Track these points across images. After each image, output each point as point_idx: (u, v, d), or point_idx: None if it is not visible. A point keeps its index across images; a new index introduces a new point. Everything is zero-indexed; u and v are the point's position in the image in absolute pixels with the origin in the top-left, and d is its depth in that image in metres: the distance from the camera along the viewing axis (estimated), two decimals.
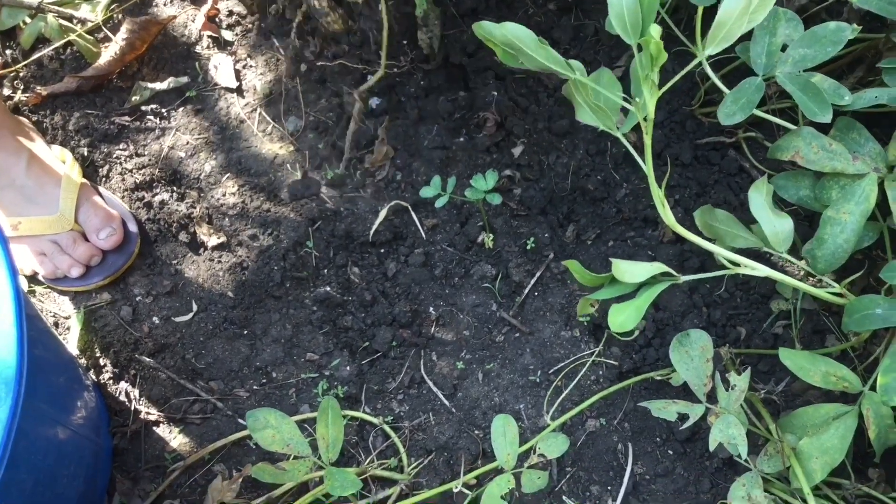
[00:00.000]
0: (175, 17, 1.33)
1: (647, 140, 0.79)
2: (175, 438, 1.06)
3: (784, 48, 0.89)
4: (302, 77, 1.26)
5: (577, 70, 0.78)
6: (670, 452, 1.05)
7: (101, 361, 1.10)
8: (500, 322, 1.14)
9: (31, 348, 0.77)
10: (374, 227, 1.15)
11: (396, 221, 1.18)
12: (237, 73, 1.29)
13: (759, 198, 0.88)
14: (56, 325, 1.13)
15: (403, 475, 1.01)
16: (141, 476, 1.05)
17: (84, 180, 1.16)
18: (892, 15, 0.91)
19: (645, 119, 0.78)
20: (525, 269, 1.16)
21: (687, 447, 1.05)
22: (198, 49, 1.31)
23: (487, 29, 0.78)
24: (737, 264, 0.86)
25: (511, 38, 0.76)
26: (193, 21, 1.33)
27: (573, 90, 0.85)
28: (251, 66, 1.29)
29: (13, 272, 0.77)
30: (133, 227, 1.16)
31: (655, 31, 0.70)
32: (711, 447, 0.86)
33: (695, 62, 0.76)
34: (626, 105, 0.81)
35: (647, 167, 0.81)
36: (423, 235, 1.18)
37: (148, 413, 1.08)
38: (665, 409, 0.89)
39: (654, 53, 0.71)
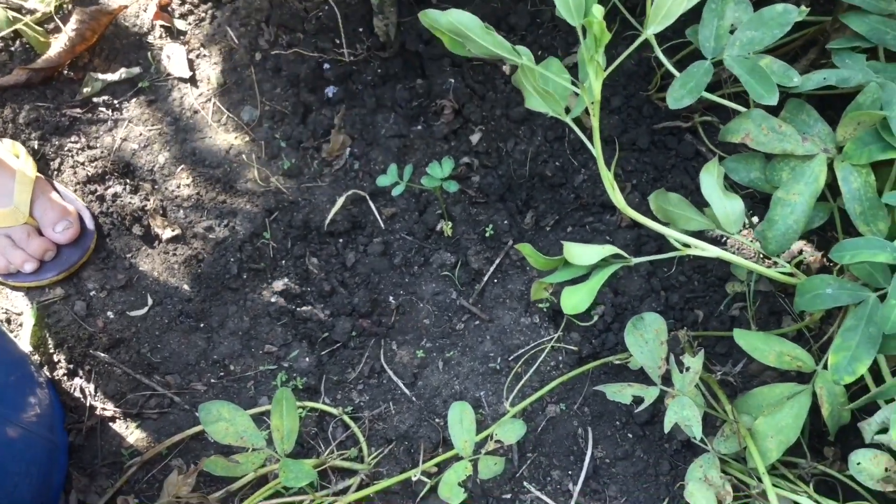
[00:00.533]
0: (126, 6, 1.30)
1: (595, 122, 0.79)
2: (132, 434, 1.05)
3: (733, 31, 0.90)
4: (257, 66, 1.25)
5: (524, 56, 0.78)
6: (630, 436, 1.06)
7: (56, 357, 1.08)
8: (460, 310, 1.14)
9: None
10: (331, 217, 1.15)
11: (354, 211, 1.17)
12: (191, 63, 1.27)
13: (710, 179, 0.89)
14: (8, 321, 1.11)
15: (363, 465, 1.01)
16: (98, 472, 1.03)
17: (39, 174, 1.14)
18: None
19: (592, 103, 0.78)
20: (484, 257, 1.16)
21: (646, 430, 1.06)
22: (150, 39, 1.29)
23: (433, 17, 0.77)
24: (688, 246, 0.87)
25: (457, 24, 0.75)
26: (145, 10, 1.31)
27: (522, 77, 0.85)
28: (205, 56, 1.27)
29: None
30: (89, 222, 1.14)
31: (598, 11, 0.70)
32: (666, 429, 0.87)
33: (639, 41, 0.76)
34: (575, 90, 0.81)
35: (596, 150, 0.81)
36: (382, 224, 1.17)
37: (104, 409, 1.06)
38: (620, 393, 0.89)
39: (597, 34, 0.71)
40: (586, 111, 0.82)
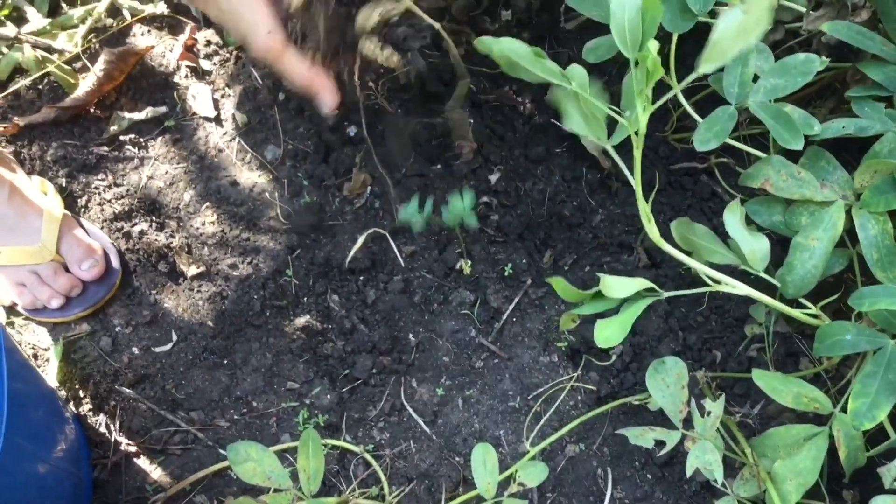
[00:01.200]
0: (153, 47, 1.33)
1: (637, 154, 0.81)
2: (156, 470, 1.06)
3: (755, 79, 0.92)
4: (280, 106, 1.27)
5: (574, 81, 0.80)
6: (649, 477, 1.07)
7: (81, 393, 1.10)
8: (479, 348, 1.15)
9: (10, 381, 0.77)
10: (352, 254, 1.16)
11: (375, 249, 1.19)
12: (215, 103, 1.29)
13: (733, 219, 0.91)
14: (35, 356, 1.12)
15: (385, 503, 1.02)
16: None
17: (66, 212, 1.16)
18: (860, 44, 0.94)
19: (636, 133, 0.80)
20: (503, 295, 1.17)
21: (665, 471, 1.07)
22: (176, 79, 1.32)
23: (487, 44, 0.81)
24: (717, 281, 0.88)
25: (508, 53, 0.78)
26: (171, 51, 1.34)
27: (563, 98, 0.87)
28: (229, 96, 1.30)
29: None
30: (115, 259, 1.16)
31: (654, 46, 0.72)
32: (689, 473, 0.88)
33: (692, 77, 0.77)
34: (620, 119, 0.83)
35: (636, 180, 0.82)
36: (402, 262, 1.19)
37: (128, 444, 1.07)
38: (642, 437, 0.90)
39: (650, 69, 0.73)
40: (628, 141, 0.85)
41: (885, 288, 0.81)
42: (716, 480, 0.87)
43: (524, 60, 0.79)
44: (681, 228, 1.00)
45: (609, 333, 0.88)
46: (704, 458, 0.87)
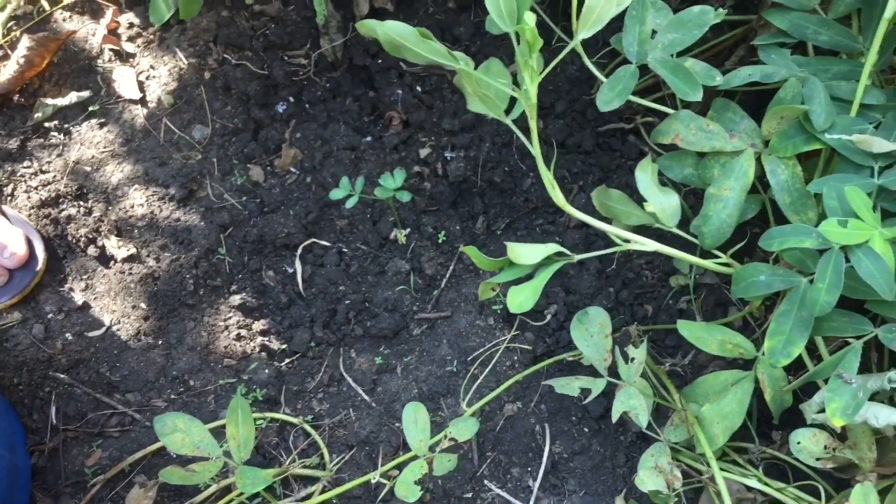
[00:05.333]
0: (74, 31, 1.32)
1: (533, 125, 0.82)
2: (94, 453, 1.06)
3: (654, 35, 0.93)
4: (206, 85, 1.27)
5: (462, 60, 0.80)
6: (586, 430, 1.09)
7: (15, 380, 1.09)
8: (416, 316, 1.16)
9: None
10: (285, 230, 1.16)
11: (308, 223, 1.19)
12: (140, 85, 1.28)
13: (645, 177, 0.92)
14: None
15: (325, 472, 1.03)
16: (62, 492, 1.04)
17: None
18: None
19: (529, 105, 0.81)
20: (438, 263, 1.18)
21: (601, 424, 1.09)
22: (99, 63, 1.30)
23: (370, 27, 0.80)
24: (627, 241, 0.90)
25: (392, 35, 0.78)
26: (94, 35, 1.32)
27: (463, 81, 0.87)
28: (154, 77, 1.29)
29: None
30: (39, 245, 1.15)
31: (530, 18, 0.73)
32: (614, 418, 0.90)
33: (571, 45, 0.79)
34: (512, 92, 0.84)
35: (535, 150, 0.83)
36: (336, 235, 1.19)
37: (66, 429, 1.07)
38: (568, 386, 0.92)
39: (530, 40, 0.74)
40: (524, 113, 0.85)
41: (793, 227, 0.83)
42: (642, 426, 0.89)
43: (409, 42, 0.78)
44: (599, 196, 1.01)
45: (522, 300, 0.89)
46: (630, 403, 0.89)
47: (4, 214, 1.15)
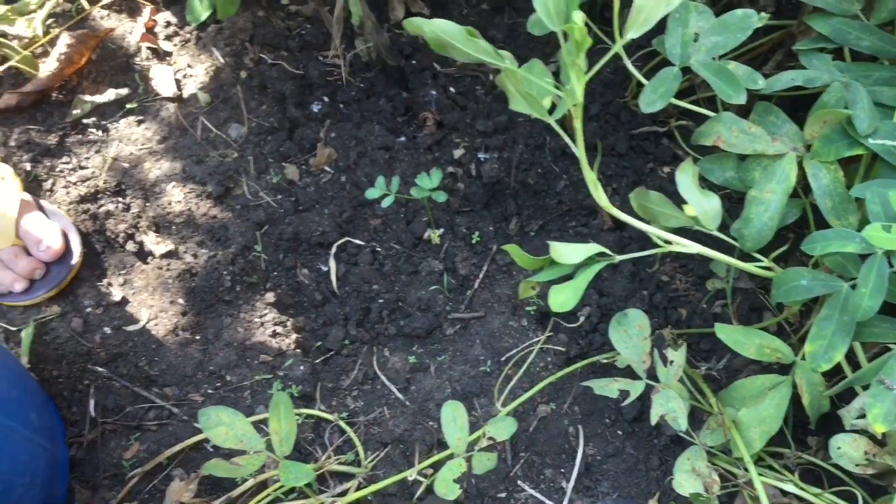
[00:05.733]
0: (113, 29, 1.33)
1: (578, 125, 0.82)
2: (132, 446, 1.07)
3: (697, 38, 0.93)
4: (243, 84, 1.28)
5: (506, 59, 0.81)
6: (619, 433, 1.09)
7: (55, 373, 1.10)
8: (450, 315, 1.16)
9: None
10: (320, 229, 1.17)
11: (343, 221, 1.20)
12: (178, 83, 1.29)
13: (686, 179, 0.92)
14: (6, 339, 1.12)
15: (360, 469, 1.03)
16: (100, 485, 1.05)
17: (24, 195, 1.16)
18: None
19: (575, 105, 0.81)
20: (471, 263, 1.19)
21: (635, 427, 1.09)
22: (137, 60, 1.32)
23: (417, 24, 0.80)
24: (669, 242, 0.90)
25: (440, 33, 0.78)
26: (131, 33, 1.33)
27: (506, 80, 0.88)
28: (191, 76, 1.30)
29: None
30: (75, 238, 1.16)
31: (579, 17, 0.73)
32: (653, 421, 0.90)
33: (619, 44, 0.79)
34: (557, 93, 0.84)
35: (580, 151, 0.84)
36: (370, 234, 1.20)
37: (104, 422, 1.08)
38: (607, 387, 0.92)
39: (578, 39, 0.74)
40: (569, 113, 0.85)
41: (836, 231, 0.83)
42: (680, 429, 0.89)
43: (456, 40, 0.79)
44: (638, 198, 1.01)
45: (563, 299, 0.89)
46: (668, 406, 0.89)
47: (42, 209, 1.17)
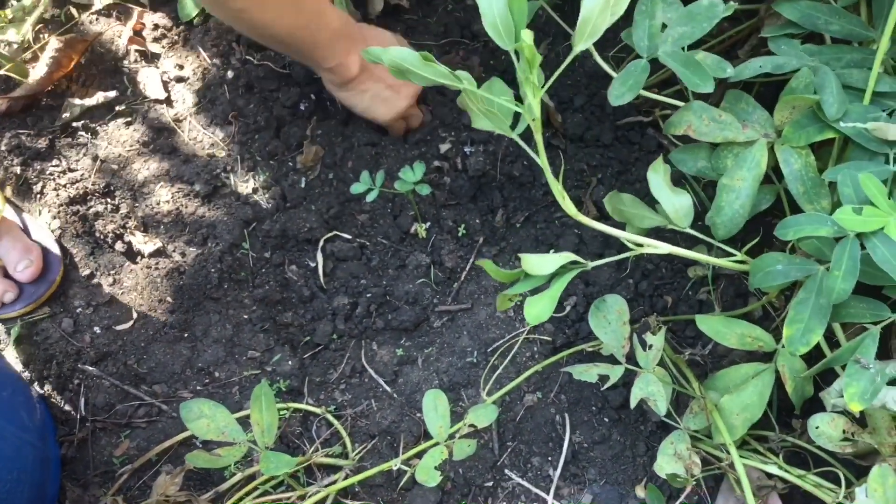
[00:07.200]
0: (101, 33, 1.35)
1: (538, 138, 0.82)
2: (122, 443, 1.08)
3: (664, 29, 0.94)
4: (230, 84, 1.29)
5: (464, 80, 0.80)
6: (606, 420, 1.10)
7: (45, 373, 1.12)
8: (437, 308, 1.17)
9: None
10: (308, 224, 1.18)
11: (330, 217, 1.21)
12: (165, 85, 1.31)
13: (657, 178, 0.93)
14: None
15: (348, 461, 1.04)
16: (90, 482, 1.06)
17: (7, 212, 1.17)
18: None
19: (534, 120, 0.81)
20: (458, 256, 1.20)
21: (621, 414, 1.10)
22: (125, 63, 1.33)
23: (375, 54, 0.80)
24: (639, 245, 0.90)
25: (398, 60, 0.78)
26: (120, 36, 1.35)
27: (466, 100, 0.87)
28: (179, 77, 1.31)
29: None
30: (56, 253, 1.17)
31: (527, 35, 0.74)
32: (632, 404, 0.90)
33: (570, 57, 0.80)
34: (517, 109, 0.83)
35: (542, 163, 0.83)
36: (357, 230, 1.21)
37: (94, 420, 1.09)
38: (586, 372, 0.93)
39: (529, 57, 0.74)
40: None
41: (808, 216, 0.83)
42: (660, 413, 0.89)
43: (414, 66, 0.79)
44: (611, 202, 1.02)
45: (538, 311, 0.88)
46: (648, 390, 0.89)
47: (26, 228, 1.18)
